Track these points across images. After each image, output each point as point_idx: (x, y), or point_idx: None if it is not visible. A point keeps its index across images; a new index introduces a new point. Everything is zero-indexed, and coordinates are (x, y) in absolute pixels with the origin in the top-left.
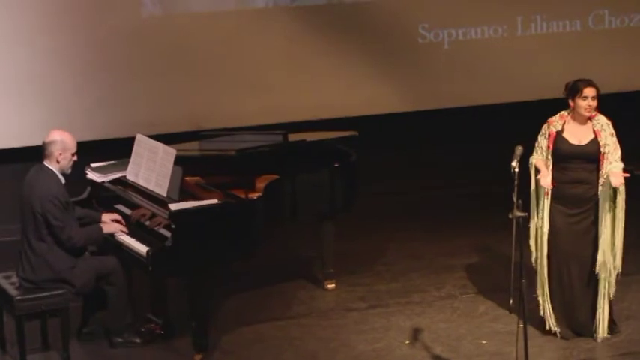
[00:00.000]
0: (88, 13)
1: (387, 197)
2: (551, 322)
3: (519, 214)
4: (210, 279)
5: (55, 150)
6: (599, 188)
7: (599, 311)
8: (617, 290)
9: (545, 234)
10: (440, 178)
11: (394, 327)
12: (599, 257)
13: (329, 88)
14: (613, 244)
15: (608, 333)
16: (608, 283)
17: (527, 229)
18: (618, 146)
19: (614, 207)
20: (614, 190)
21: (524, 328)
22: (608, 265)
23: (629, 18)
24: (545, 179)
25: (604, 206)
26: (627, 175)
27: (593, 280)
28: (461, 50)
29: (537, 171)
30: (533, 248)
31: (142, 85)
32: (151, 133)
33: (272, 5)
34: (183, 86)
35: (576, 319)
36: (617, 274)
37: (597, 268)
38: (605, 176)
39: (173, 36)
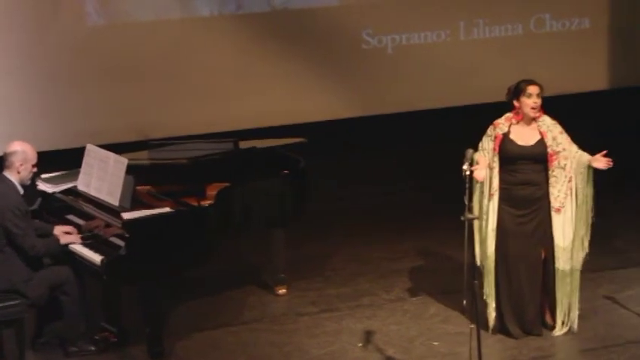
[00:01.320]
0: (33, 23)
1: (334, 203)
2: (496, 321)
3: (471, 216)
4: (164, 286)
5: (16, 160)
6: (551, 188)
7: (559, 308)
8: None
9: (491, 233)
10: (386, 184)
11: (346, 330)
12: (562, 253)
13: (275, 95)
14: (580, 239)
15: (562, 329)
16: (573, 277)
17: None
18: (572, 141)
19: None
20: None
21: (477, 328)
22: (581, 257)
23: (570, 22)
24: (480, 172)
25: (564, 211)
26: (610, 163)
27: (541, 279)
28: (405, 55)
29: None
30: (478, 248)
31: (87, 94)
32: (98, 142)
33: (217, 13)
34: (130, 95)
35: (525, 317)
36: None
37: (558, 264)
38: (572, 172)
39: (118, 45)
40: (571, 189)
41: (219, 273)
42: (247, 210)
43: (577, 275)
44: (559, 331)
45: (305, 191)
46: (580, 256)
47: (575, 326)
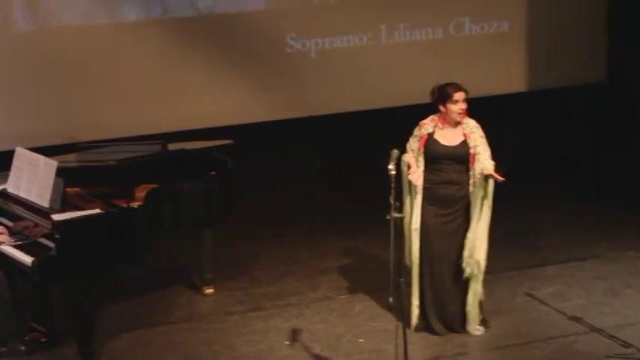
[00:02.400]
0: None
1: (260, 203)
2: (420, 318)
3: (397, 215)
4: (95, 287)
5: None
6: (471, 188)
7: (467, 308)
8: (485, 287)
9: (416, 231)
10: (310, 184)
11: (273, 329)
12: (466, 254)
13: (202, 98)
14: (481, 242)
15: (477, 328)
16: (477, 280)
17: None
18: (488, 147)
19: (483, 206)
20: (485, 190)
21: (404, 325)
22: (482, 263)
23: (489, 25)
24: (414, 175)
25: (476, 205)
26: (502, 178)
27: (463, 278)
28: (328, 59)
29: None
30: (406, 246)
31: (15, 98)
32: (26, 146)
33: (144, 18)
34: (58, 99)
35: (448, 315)
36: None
37: (464, 265)
38: (477, 175)
39: (46, 49)
40: (481, 194)
41: (148, 273)
42: (176, 211)
43: (480, 276)
44: (474, 330)
45: (232, 192)
46: (479, 257)
47: (471, 329)
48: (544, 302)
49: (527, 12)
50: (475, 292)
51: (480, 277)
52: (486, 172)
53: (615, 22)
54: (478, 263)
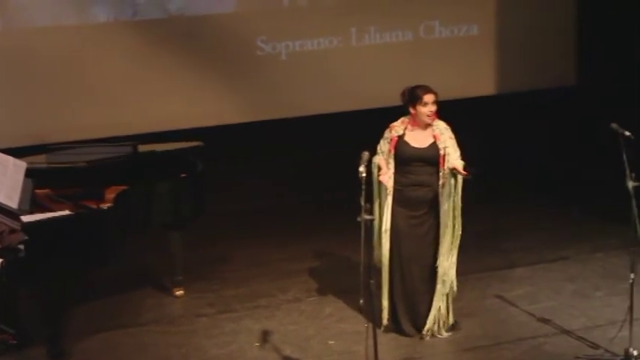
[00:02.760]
0: None
1: (231, 206)
2: (390, 320)
3: (367, 217)
4: (64, 289)
5: None
6: (440, 189)
7: (433, 310)
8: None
9: (387, 232)
10: (283, 187)
11: (244, 331)
12: (441, 258)
13: (172, 99)
14: (452, 244)
15: (446, 331)
16: (447, 282)
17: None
18: (457, 148)
19: (453, 208)
20: (454, 188)
21: (374, 326)
22: (450, 265)
23: (458, 29)
24: (385, 176)
25: (444, 207)
26: (466, 173)
27: (433, 280)
28: (298, 61)
29: (380, 170)
30: (376, 248)
31: None
32: None
33: (113, 19)
34: (27, 100)
35: (418, 316)
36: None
37: (438, 268)
38: (445, 175)
39: (15, 50)
40: (449, 195)
41: (118, 275)
42: (146, 212)
43: (449, 280)
44: (427, 333)
45: (202, 194)
46: (449, 262)
47: (443, 334)
48: (513, 304)
49: (496, 16)
50: (443, 294)
51: (453, 279)
52: (451, 165)
53: (585, 25)
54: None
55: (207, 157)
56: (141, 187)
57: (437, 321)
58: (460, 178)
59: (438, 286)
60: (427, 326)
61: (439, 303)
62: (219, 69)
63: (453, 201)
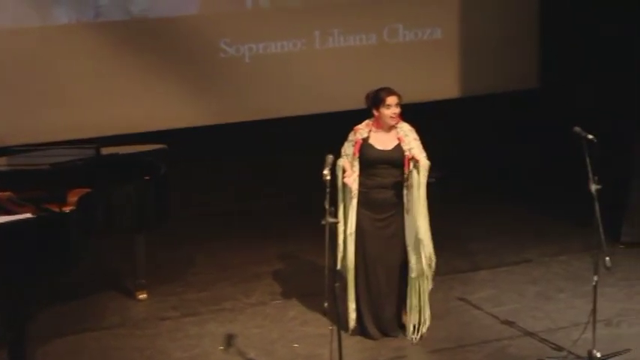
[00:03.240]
0: None
1: (195, 208)
2: (356, 322)
3: (332, 220)
4: (26, 292)
5: None
6: (405, 192)
7: (411, 312)
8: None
9: (352, 235)
10: (246, 190)
11: (208, 334)
12: (413, 259)
13: (135, 102)
14: (423, 245)
15: (415, 333)
16: (421, 282)
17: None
18: (422, 149)
19: (422, 210)
20: (417, 179)
21: (338, 329)
22: (425, 266)
23: (423, 32)
24: (349, 178)
25: (410, 209)
26: (418, 160)
27: (398, 282)
28: (262, 64)
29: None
30: (341, 251)
31: None
32: None
33: (75, 21)
34: None
35: (383, 319)
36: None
37: (411, 270)
38: (414, 181)
39: None
40: (410, 197)
41: (80, 278)
42: (109, 215)
43: (424, 281)
44: (411, 335)
45: (166, 197)
46: (424, 262)
47: (424, 330)
48: (477, 306)
49: (460, 19)
50: (418, 295)
51: (429, 279)
52: (409, 155)
53: (548, 28)
54: (425, 266)
55: (171, 160)
56: (104, 190)
57: (421, 321)
58: (423, 171)
59: (414, 284)
60: (411, 330)
61: (414, 301)
62: (183, 71)
63: (419, 194)
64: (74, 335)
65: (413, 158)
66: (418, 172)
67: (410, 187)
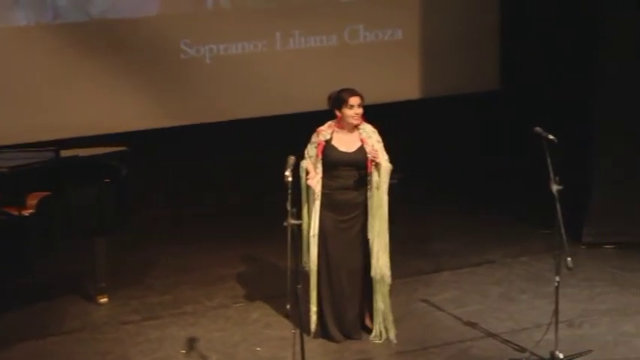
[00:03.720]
0: None
1: (157, 211)
2: (318, 325)
3: (294, 221)
4: None
5: None
6: (368, 194)
7: (375, 315)
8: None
9: (313, 238)
10: (208, 192)
11: (169, 338)
12: (374, 261)
13: (95, 104)
14: (384, 246)
15: (380, 336)
16: (383, 285)
17: (301, 233)
18: (384, 151)
19: (381, 212)
20: (378, 179)
21: (301, 332)
22: (384, 268)
23: (383, 33)
24: (313, 180)
25: (372, 211)
26: (376, 159)
27: (361, 284)
28: (223, 65)
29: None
30: (304, 253)
31: None
32: None
33: (34, 23)
34: None
35: (346, 321)
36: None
37: (373, 271)
38: (374, 182)
39: None
40: (372, 198)
41: (41, 282)
42: (69, 218)
43: (386, 283)
44: (376, 338)
45: (127, 199)
46: (385, 264)
47: (392, 336)
48: (440, 308)
49: (420, 20)
50: (381, 297)
51: (387, 281)
52: (371, 154)
53: (509, 29)
54: (384, 268)
55: (132, 162)
56: (63, 193)
57: (384, 321)
58: (384, 174)
59: (376, 287)
60: (374, 331)
61: (379, 303)
62: (143, 73)
63: (380, 197)
64: (35, 340)
65: (373, 160)
66: (379, 175)
67: (372, 189)
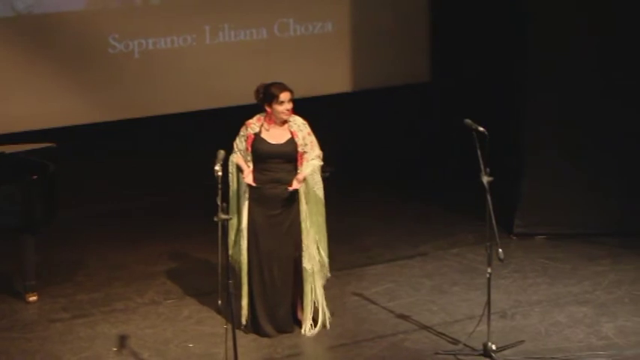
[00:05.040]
0: None
1: (82, 208)
2: (250, 320)
3: (224, 216)
4: None
5: None
6: (300, 188)
7: (307, 308)
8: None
9: (243, 231)
10: (134, 188)
11: (100, 336)
12: (305, 255)
13: (23, 100)
14: (320, 240)
15: (313, 328)
16: (315, 278)
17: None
18: (316, 144)
19: (316, 205)
20: (314, 189)
21: (233, 328)
22: (318, 261)
23: (313, 26)
24: (248, 177)
25: (304, 205)
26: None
27: (293, 278)
28: (152, 60)
29: (239, 169)
30: (232, 248)
31: None
32: None
33: None
34: None
35: (278, 316)
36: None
37: (305, 264)
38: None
39: None
40: (304, 191)
41: None
42: None
43: (320, 275)
44: (308, 331)
45: (54, 196)
46: (319, 256)
47: (328, 325)
48: (373, 301)
49: (351, 12)
50: (313, 290)
51: (322, 275)
52: (295, 180)
53: (439, 22)
54: (319, 261)
55: (59, 158)
56: None
57: (317, 313)
58: (316, 168)
59: (309, 280)
60: (307, 326)
61: (310, 296)
62: (71, 68)
63: (313, 190)
64: None
65: (296, 183)
66: (311, 170)
67: (303, 183)
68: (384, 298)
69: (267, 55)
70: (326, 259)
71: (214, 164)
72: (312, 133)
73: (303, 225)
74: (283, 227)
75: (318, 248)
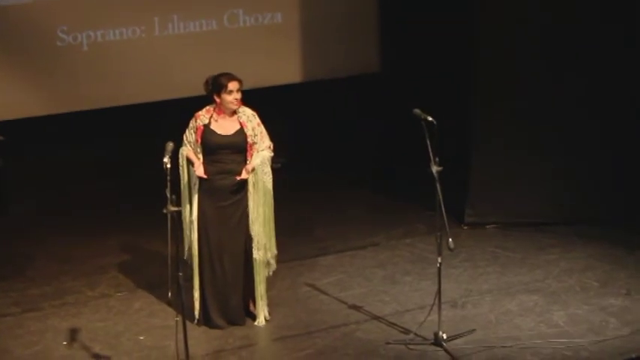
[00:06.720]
0: None
1: (33, 201)
2: (201, 312)
3: (173, 208)
4: None
5: None
6: (250, 179)
7: (258, 298)
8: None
9: (193, 223)
10: (84, 180)
11: (50, 329)
12: (254, 245)
13: None
14: (267, 231)
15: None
16: (264, 270)
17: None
18: (266, 134)
19: (264, 196)
20: (263, 180)
21: (183, 320)
22: (267, 253)
23: (263, 17)
24: (199, 169)
25: (254, 196)
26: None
27: (244, 270)
28: (101, 52)
29: (190, 162)
30: (185, 240)
31: None
32: None
33: None
34: None
35: (229, 308)
36: (274, 261)
37: (255, 254)
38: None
39: None
40: (253, 182)
41: None
42: None
43: (264, 265)
44: (261, 323)
45: (5, 190)
46: (267, 246)
47: (267, 314)
48: (324, 292)
49: (300, 3)
50: (262, 281)
51: (269, 266)
52: (239, 178)
53: (388, 12)
54: (267, 253)
55: (7, 153)
56: None
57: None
58: (265, 160)
59: (259, 271)
60: (261, 318)
61: (262, 288)
62: (19, 61)
63: (263, 181)
64: None
65: (250, 170)
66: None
67: (254, 174)
68: (336, 289)
69: (216, 46)
70: (270, 252)
71: (163, 156)
72: (261, 124)
73: (251, 215)
74: (234, 219)
75: (263, 239)
